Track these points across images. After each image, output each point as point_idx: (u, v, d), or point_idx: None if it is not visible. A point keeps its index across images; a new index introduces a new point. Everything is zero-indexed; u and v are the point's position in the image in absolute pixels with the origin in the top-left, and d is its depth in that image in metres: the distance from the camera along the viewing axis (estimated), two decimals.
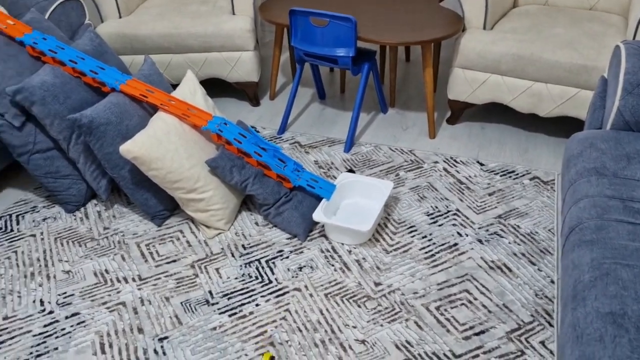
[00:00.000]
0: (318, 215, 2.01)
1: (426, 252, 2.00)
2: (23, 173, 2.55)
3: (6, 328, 1.77)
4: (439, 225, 2.12)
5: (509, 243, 2.03)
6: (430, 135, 2.68)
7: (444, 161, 2.50)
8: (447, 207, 2.22)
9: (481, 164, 2.46)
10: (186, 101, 2.18)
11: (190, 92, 2.23)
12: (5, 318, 1.81)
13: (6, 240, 2.14)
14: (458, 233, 2.08)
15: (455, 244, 2.03)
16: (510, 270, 1.91)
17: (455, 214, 2.18)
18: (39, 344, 1.71)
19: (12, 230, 2.19)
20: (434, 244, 2.04)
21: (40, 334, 1.75)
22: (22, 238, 2.14)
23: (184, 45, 2.79)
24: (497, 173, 2.40)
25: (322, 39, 2.45)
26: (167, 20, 2.78)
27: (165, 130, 2.02)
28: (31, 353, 1.68)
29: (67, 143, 2.12)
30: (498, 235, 2.07)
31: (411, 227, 2.12)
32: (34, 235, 2.15)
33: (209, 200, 2.07)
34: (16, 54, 2.15)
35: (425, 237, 2.07)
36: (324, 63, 2.54)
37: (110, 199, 2.34)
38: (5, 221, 2.24)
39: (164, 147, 1.98)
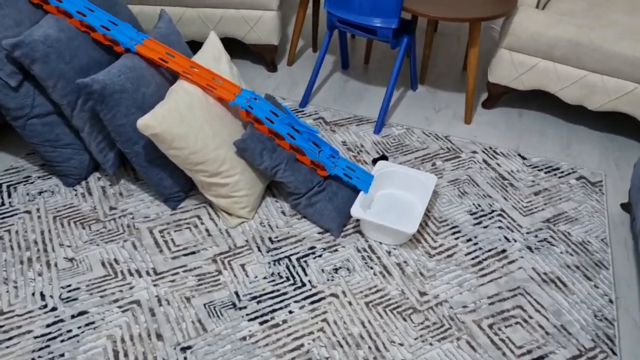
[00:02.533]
0: (356, 211, 1.80)
1: (472, 259, 1.82)
2: (13, 135, 2.24)
3: (2, 326, 1.53)
4: (484, 227, 1.94)
5: (561, 253, 1.86)
6: (466, 120, 2.46)
7: (483, 151, 2.29)
8: (491, 205, 2.03)
9: (523, 157, 2.27)
10: (210, 69, 1.91)
11: (215, 58, 1.95)
12: (1, 313, 1.57)
13: None
14: (505, 238, 1.90)
15: (504, 251, 1.86)
16: (565, 285, 1.75)
17: (500, 215, 1.99)
18: (41, 349, 1.48)
19: (3, 204, 1.91)
20: (480, 249, 1.86)
21: (42, 335, 1.52)
22: (16, 214, 1.87)
23: None
24: (541, 169, 2.21)
25: (360, 6, 2.17)
26: None
27: (188, 103, 1.75)
28: (33, 359, 1.46)
29: (71, 109, 1.84)
30: (548, 242, 1.89)
31: (454, 227, 1.93)
32: (29, 212, 1.88)
33: (233, 185, 1.83)
34: (15, 0, 1.83)
35: (470, 240, 1.89)
36: (359, 33, 2.27)
37: (117, 174, 2.07)
38: None
39: (188, 124, 1.72)
